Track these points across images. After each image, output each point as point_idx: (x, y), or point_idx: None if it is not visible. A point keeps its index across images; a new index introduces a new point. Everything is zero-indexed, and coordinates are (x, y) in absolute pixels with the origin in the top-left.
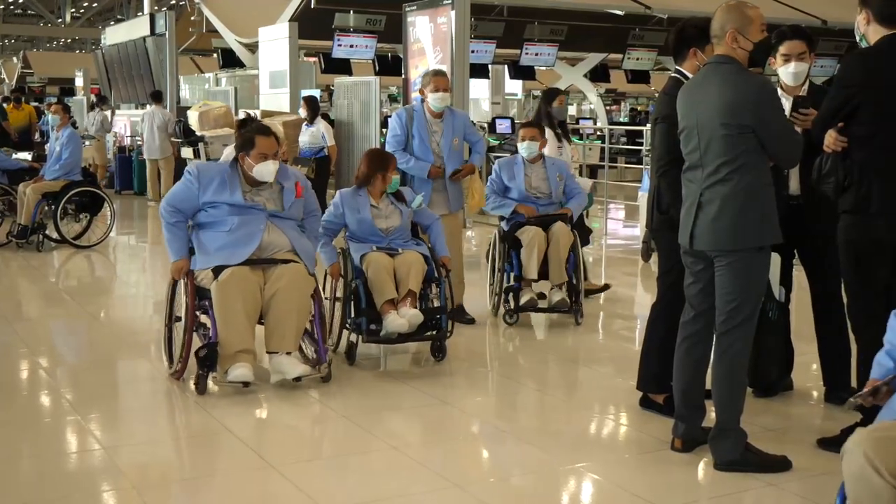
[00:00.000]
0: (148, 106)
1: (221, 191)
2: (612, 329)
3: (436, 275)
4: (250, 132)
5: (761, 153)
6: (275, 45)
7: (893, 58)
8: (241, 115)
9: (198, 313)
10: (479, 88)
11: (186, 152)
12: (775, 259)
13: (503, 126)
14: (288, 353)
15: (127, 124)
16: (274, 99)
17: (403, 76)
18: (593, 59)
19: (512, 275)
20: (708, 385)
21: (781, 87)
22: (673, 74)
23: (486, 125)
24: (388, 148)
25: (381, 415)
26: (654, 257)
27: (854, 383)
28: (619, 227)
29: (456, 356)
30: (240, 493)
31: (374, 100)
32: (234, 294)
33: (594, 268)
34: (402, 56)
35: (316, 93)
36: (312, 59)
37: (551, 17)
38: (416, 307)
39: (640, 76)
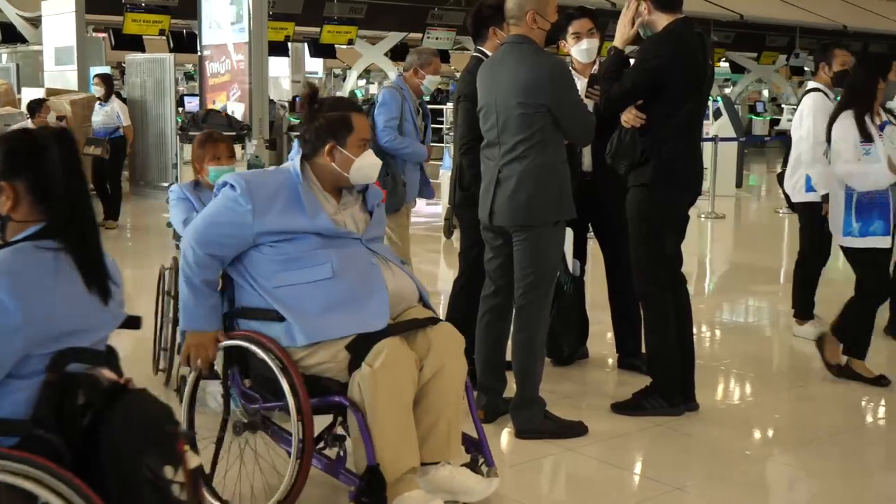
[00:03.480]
0: None
1: (294, 213)
2: None
3: None
4: (340, 108)
5: (556, 131)
6: (60, 20)
7: (691, 40)
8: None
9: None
10: (278, 66)
11: None
12: (568, 233)
13: None
14: (470, 467)
15: None
16: (60, 76)
17: (199, 53)
18: (394, 37)
19: None
20: (508, 356)
21: (574, 68)
22: (474, 54)
23: (286, 104)
24: (384, 134)
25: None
26: (457, 234)
27: (643, 349)
28: (422, 204)
29: None
30: None
31: (169, 77)
32: (401, 386)
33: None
34: (197, 32)
35: (106, 70)
36: (102, 35)
37: None
38: None
39: (439, 55)
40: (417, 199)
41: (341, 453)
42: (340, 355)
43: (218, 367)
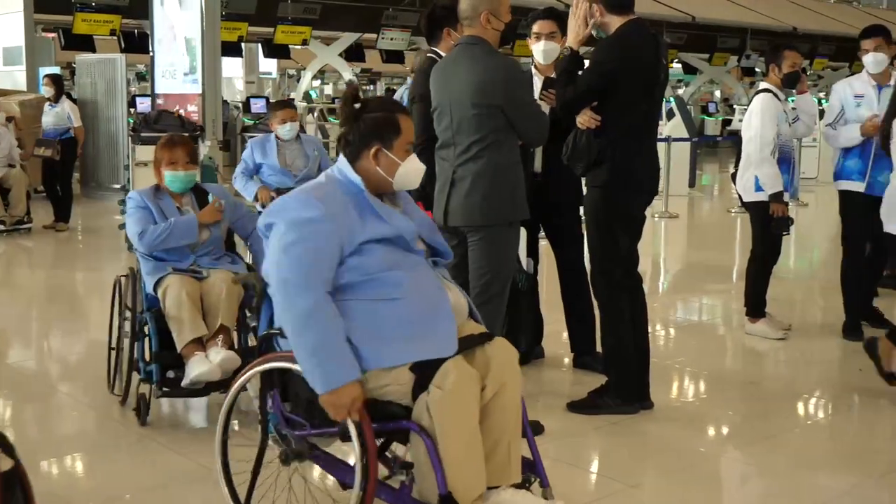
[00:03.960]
0: None
1: (371, 220)
2: None
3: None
4: (385, 109)
5: (510, 132)
6: (8, 20)
7: (642, 40)
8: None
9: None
10: (231, 67)
11: None
12: (521, 232)
13: (258, 105)
14: (522, 487)
15: None
16: (9, 77)
17: (151, 54)
18: (348, 38)
19: None
20: None
21: (536, 67)
22: (428, 55)
23: (240, 105)
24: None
25: None
26: None
27: (599, 348)
28: None
29: None
30: None
31: (121, 78)
32: (470, 408)
33: None
34: (149, 33)
35: (56, 70)
36: (51, 35)
37: None
38: (230, 346)
39: (394, 56)
40: None
41: (406, 482)
42: (404, 377)
43: (253, 390)
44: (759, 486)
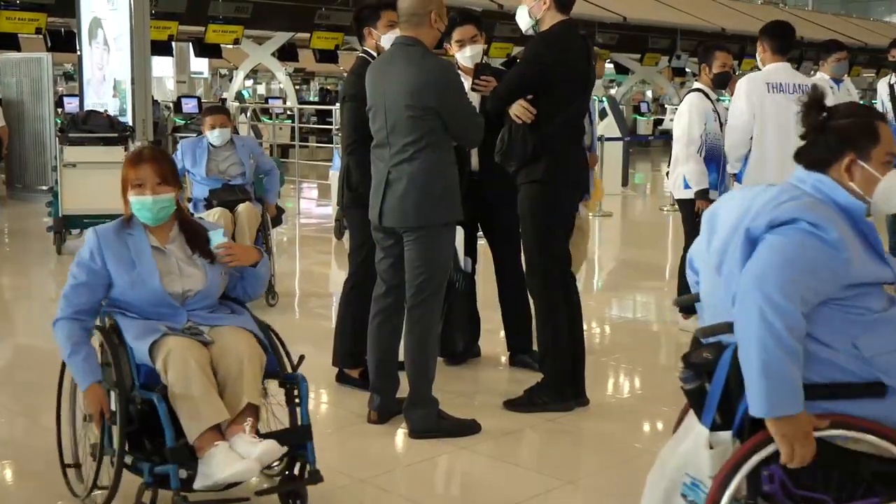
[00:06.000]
0: None
1: (873, 262)
2: (307, 307)
3: (282, 368)
4: (858, 115)
5: (445, 133)
6: None
7: (573, 41)
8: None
9: None
10: (162, 66)
11: None
12: (459, 231)
13: (189, 105)
14: None
15: None
16: None
17: (78, 52)
18: (281, 37)
19: None
20: (401, 357)
21: (460, 69)
22: (360, 54)
23: (171, 105)
24: None
25: None
26: (347, 235)
27: (535, 346)
28: (312, 206)
29: None
30: None
31: (47, 78)
32: None
33: (288, 247)
34: (76, 31)
35: None
36: None
37: None
38: (256, 430)
39: (328, 56)
40: None
41: None
42: None
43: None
44: None
